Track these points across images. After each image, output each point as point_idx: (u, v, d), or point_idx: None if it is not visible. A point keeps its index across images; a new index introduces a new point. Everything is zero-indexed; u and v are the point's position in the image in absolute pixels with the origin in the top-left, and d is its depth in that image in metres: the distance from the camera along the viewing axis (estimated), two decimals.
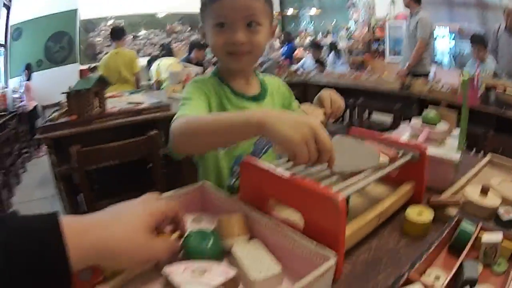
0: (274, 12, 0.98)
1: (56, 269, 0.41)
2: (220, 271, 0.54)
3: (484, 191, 0.80)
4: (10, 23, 6.22)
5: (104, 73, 4.05)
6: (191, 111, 0.87)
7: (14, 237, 0.40)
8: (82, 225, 0.47)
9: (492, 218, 0.77)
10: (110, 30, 4.51)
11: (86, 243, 0.45)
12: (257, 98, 1.04)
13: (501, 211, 0.75)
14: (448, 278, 0.54)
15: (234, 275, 0.54)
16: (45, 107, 5.78)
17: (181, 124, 0.77)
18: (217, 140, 0.74)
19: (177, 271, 0.54)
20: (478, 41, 3.80)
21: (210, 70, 2.57)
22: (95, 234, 0.46)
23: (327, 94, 1.00)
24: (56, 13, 6.66)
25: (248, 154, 1.01)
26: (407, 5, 4.22)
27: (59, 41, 6.81)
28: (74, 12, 6.90)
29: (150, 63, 5.04)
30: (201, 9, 0.95)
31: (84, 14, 7.10)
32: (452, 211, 0.79)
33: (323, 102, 0.98)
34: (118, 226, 0.49)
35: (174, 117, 0.83)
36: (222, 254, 0.63)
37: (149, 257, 0.53)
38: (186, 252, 0.60)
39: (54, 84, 4.70)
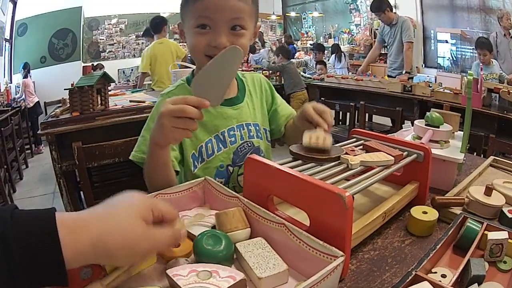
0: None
1: (50, 264, 0.41)
2: (227, 275, 0.52)
3: (488, 191, 0.80)
4: (16, 18, 6.19)
5: (151, 66, 4.12)
6: (142, 152, 0.94)
7: (10, 230, 0.39)
8: (77, 222, 0.45)
9: (496, 218, 0.77)
10: (150, 23, 4.32)
11: (82, 240, 0.43)
12: (234, 101, 1.03)
13: (505, 210, 0.75)
14: (456, 275, 0.54)
15: (241, 278, 0.51)
16: (47, 104, 5.78)
17: (144, 177, 0.89)
18: (158, 170, 0.84)
19: (181, 274, 0.51)
20: (483, 45, 3.80)
21: None
22: (92, 229, 0.44)
23: (311, 110, 0.87)
24: (61, 9, 6.63)
25: (228, 163, 1.01)
26: (381, 19, 4.23)
27: (63, 38, 6.79)
28: (79, 9, 6.89)
29: None
30: (182, 5, 0.91)
31: (88, 12, 7.10)
32: (456, 211, 0.79)
33: (313, 119, 0.86)
34: (115, 218, 0.47)
35: (133, 154, 0.96)
36: (233, 257, 0.61)
37: (150, 247, 0.49)
38: (197, 254, 0.58)
39: (57, 81, 4.68)
